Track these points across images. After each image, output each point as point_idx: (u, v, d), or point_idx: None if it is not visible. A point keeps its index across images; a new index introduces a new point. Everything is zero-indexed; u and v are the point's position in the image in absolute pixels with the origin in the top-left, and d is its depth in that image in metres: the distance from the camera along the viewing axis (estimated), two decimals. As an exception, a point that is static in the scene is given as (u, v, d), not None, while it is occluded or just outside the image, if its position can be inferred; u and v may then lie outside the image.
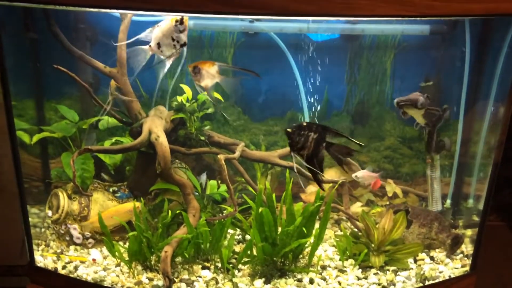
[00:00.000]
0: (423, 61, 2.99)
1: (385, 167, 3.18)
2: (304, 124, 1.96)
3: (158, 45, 2.06)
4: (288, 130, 1.96)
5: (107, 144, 2.75)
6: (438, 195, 2.99)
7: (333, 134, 2.01)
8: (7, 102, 2.25)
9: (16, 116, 2.38)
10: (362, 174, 2.73)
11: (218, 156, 2.46)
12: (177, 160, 2.88)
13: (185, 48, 2.08)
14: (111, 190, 2.78)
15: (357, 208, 2.99)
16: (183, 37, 2.04)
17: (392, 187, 3.01)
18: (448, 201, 3.01)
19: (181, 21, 2.01)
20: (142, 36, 2.11)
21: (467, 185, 2.94)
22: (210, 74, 2.21)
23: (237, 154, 2.60)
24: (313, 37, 2.89)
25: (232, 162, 2.80)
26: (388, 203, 3.04)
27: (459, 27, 2.76)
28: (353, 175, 2.74)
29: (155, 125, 2.59)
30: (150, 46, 2.08)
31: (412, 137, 3.14)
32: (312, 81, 2.98)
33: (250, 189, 2.79)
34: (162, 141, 2.51)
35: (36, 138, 2.68)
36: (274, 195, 2.50)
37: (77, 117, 2.82)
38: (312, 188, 3.07)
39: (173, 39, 2.04)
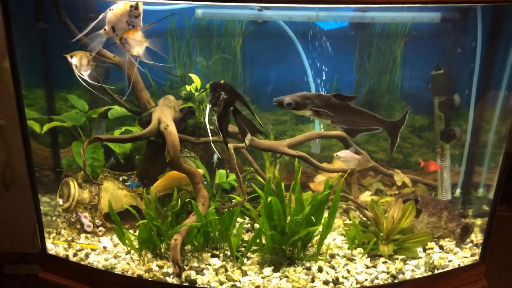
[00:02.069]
0: (434, 49, 2.96)
1: (394, 156, 3.16)
2: (222, 82, 2.02)
3: (113, 28, 2.05)
4: (211, 82, 2.03)
5: (116, 134, 2.76)
6: (448, 184, 2.98)
7: (242, 103, 2.09)
8: (17, 92, 2.27)
9: (27, 105, 2.39)
10: (343, 155, 2.69)
11: (228, 145, 2.46)
12: (186, 149, 2.89)
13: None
14: (121, 179, 2.80)
15: (366, 197, 2.98)
16: (138, 23, 2.03)
17: (401, 177, 3.00)
18: (458, 191, 3.00)
19: (135, 7, 2.00)
20: (97, 21, 2.09)
21: (477, 174, 2.93)
22: (137, 41, 2.17)
23: (246, 143, 2.60)
24: (322, 25, 2.87)
25: (241, 151, 2.81)
26: (397, 192, 3.04)
27: (471, 14, 2.72)
28: (335, 154, 2.72)
29: (164, 115, 2.59)
30: (105, 29, 2.06)
31: (422, 126, 3.12)
32: (321, 70, 2.96)
33: (259, 178, 2.80)
34: (171, 130, 2.52)
35: (46, 127, 2.70)
36: (283, 184, 2.50)
37: (87, 107, 2.83)
38: (321, 178, 3.07)
39: (128, 24, 2.03)
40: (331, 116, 2.07)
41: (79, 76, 2.34)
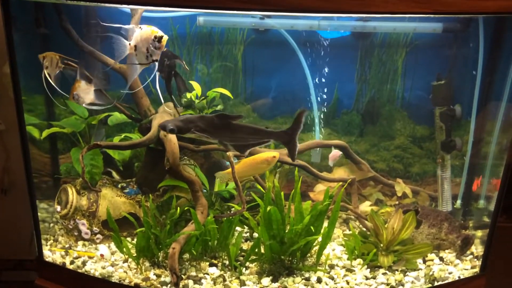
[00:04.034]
0: (435, 59, 2.96)
1: (394, 166, 3.15)
2: (165, 50, 2.14)
3: (135, 47, 2.06)
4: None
5: (116, 140, 2.75)
6: (449, 195, 2.97)
7: (179, 60, 2.37)
8: (17, 97, 2.26)
9: (26, 111, 2.39)
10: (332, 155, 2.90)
11: (227, 153, 2.45)
12: (185, 157, 2.87)
13: (156, 63, 2.08)
14: (119, 186, 2.78)
15: (366, 207, 2.96)
16: (157, 54, 2.05)
17: (401, 187, 2.99)
18: (459, 202, 2.98)
19: (159, 39, 2.01)
20: (126, 27, 2.09)
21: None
22: (85, 89, 2.39)
23: (247, 152, 2.58)
24: (323, 34, 2.87)
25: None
26: (397, 202, 3.02)
27: (473, 25, 2.72)
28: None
29: (164, 122, 2.58)
30: (130, 44, 2.06)
31: (422, 136, 3.11)
32: (322, 79, 2.96)
33: (259, 187, 2.78)
34: (171, 137, 2.51)
35: (45, 133, 2.69)
36: (282, 193, 2.48)
37: (87, 113, 2.82)
38: (321, 187, 3.05)
39: (147, 51, 2.04)
40: (215, 137, 2.10)
41: (45, 77, 2.37)
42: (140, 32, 2.04)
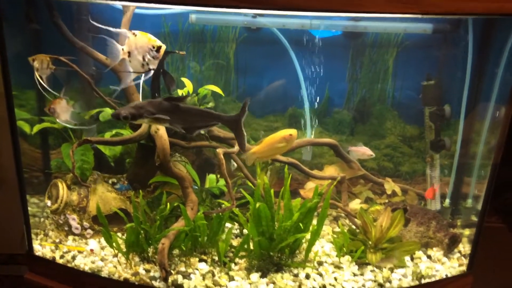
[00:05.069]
0: (425, 59, 2.98)
1: (385, 165, 3.18)
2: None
3: (129, 53, 2.04)
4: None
5: (107, 136, 2.76)
6: (437, 194, 2.99)
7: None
8: (7, 92, 2.26)
9: (18, 106, 2.39)
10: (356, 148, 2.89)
11: (217, 150, 2.47)
12: (177, 154, 2.89)
13: (152, 71, 2.08)
14: (110, 181, 2.79)
15: (355, 205, 2.99)
16: (154, 63, 2.04)
17: (391, 185, 3.01)
18: (447, 201, 3.01)
19: (157, 49, 2.00)
20: (118, 30, 2.06)
21: (466, 185, 2.94)
22: (64, 107, 2.49)
23: (236, 148, 2.60)
24: (315, 33, 2.89)
25: (232, 157, 2.81)
26: (386, 201, 3.04)
27: (462, 26, 2.75)
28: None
29: (155, 118, 2.59)
30: (123, 50, 2.04)
31: (412, 135, 3.14)
32: (313, 78, 2.98)
33: (249, 183, 2.80)
34: (162, 134, 2.52)
35: (36, 128, 2.69)
36: (272, 190, 2.50)
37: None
38: (312, 185, 3.07)
39: (143, 59, 2.03)
40: (167, 119, 2.08)
41: (37, 79, 2.40)
42: (134, 39, 2.02)
